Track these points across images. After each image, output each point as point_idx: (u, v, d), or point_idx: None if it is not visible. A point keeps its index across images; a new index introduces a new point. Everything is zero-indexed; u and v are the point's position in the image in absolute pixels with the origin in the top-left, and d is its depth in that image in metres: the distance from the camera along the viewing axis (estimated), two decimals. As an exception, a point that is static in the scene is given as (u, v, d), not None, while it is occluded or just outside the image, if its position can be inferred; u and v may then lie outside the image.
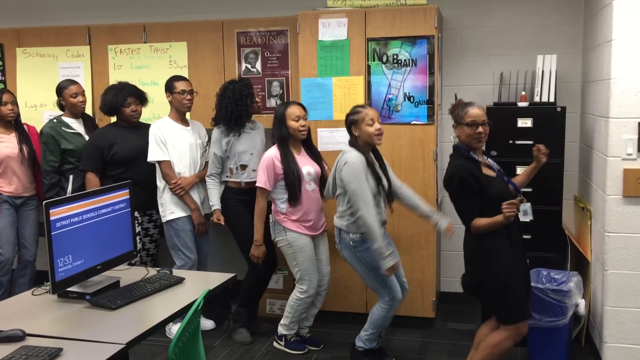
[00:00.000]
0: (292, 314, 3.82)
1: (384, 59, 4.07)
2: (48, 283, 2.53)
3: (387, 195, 3.52)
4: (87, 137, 4.16)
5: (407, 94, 4.06)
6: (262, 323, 4.26)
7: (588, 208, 3.86)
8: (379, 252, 3.34)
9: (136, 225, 3.94)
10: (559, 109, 3.83)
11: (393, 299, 3.53)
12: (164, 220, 4.03)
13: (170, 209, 4.00)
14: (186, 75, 4.54)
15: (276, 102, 4.52)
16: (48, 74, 4.80)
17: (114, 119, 4.14)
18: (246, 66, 4.55)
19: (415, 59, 4.02)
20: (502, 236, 2.99)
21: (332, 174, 3.55)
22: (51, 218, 2.44)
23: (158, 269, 3.03)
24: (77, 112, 4.24)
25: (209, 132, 4.14)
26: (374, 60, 4.09)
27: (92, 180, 3.95)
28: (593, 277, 3.77)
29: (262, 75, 4.52)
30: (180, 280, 2.82)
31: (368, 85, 4.11)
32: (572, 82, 4.36)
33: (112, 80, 4.67)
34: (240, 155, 3.96)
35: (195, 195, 4.06)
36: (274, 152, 3.68)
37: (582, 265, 3.98)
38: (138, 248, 4.02)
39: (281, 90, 4.51)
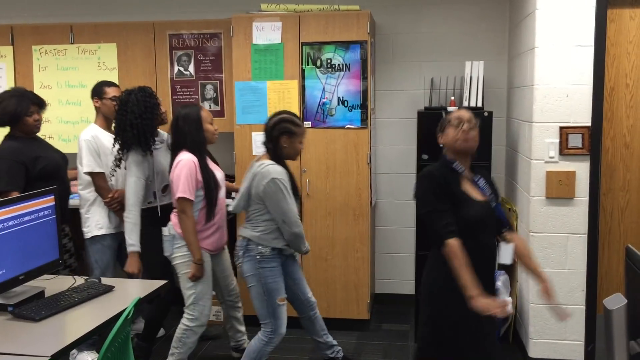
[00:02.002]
0: (180, 348, 3.36)
1: (318, 63, 4.10)
2: (-34, 295, 2.40)
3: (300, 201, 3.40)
4: None
5: (341, 98, 4.10)
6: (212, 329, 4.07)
7: (514, 209, 4.01)
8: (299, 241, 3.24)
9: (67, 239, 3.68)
10: (486, 114, 3.95)
11: (274, 332, 3.25)
12: (88, 235, 3.69)
13: (99, 224, 3.68)
14: (116, 78, 4.44)
15: (210, 106, 4.47)
16: (-33, 75, 4.57)
17: (5, 130, 3.54)
18: (179, 69, 4.47)
19: (349, 64, 4.07)
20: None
21: (246, 185, 3.23)
22: (-31, 226, 2.32)
23: (86, 277, 2.93)
24: None
25: None
26: (308, 65, 4.11)
27: None
28: (519, 276, 3.91)
29: (196, 78, 4.46)
30: (109, 289, 2.74)
31: (302, 89, 4.13)
32: (499, 87, 4.52)
33: (37, 83, 4.52)
34: (163, 174, 3.56)
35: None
36: (190, 157, 3.26)
37: (509, 265, 4.12)
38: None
39: (215, 94, 4.46)
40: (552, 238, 3.54)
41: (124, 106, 3.46)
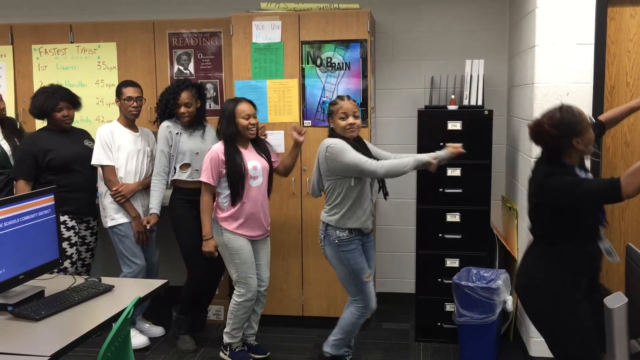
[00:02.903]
0: (233, 320, 3.67)
1: (318, 62, 4.09)
2: (-34, 295, 2.40)
3: (372, 183, 3.43)
4: (5, 142, 3.93)
5: (341, 97, 4.09)
6: (213, 330, 4.15)
7: (514, 208, 4.00)
8: (418, 163, 3.27)
9: (73, 234, 3.83)
10: (486, 112, 3.95)
11: (366, 307, 3.44)
12: (105, 225, 3.91)
13: (110, 215, 3.88)
14: (116, 77, 4.44)
15: (210, 105, 4.46)
16: (-33, 75, 4.57)
17: (44, 123, 3.93)
18: (178, 68, 4.47)
19: (349, 63, 4.07)
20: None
21: (315, 168, 3.46)
22: (-32, 226, 2.32)
23: (86, 277, 2.93)
24: None
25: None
26: (308, 63, 4.11)
27: (23, 189, 3.68)
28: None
29: (195, 77, 4.46)
30: (109, 288, 2.73)
31: (302, 88, 4.12)
32: (499, 86, 4.52)
33: (37, 82, 4.52)
34: (184, 153, 3.83)
35: (138, 203, 3.92)
36: (219, 146, 3.54)
37: (509, 263, 4.12)
38: (73, 258, 3.83)
39: (215, 93, 4.46)
40: (552, 237, 3.53)
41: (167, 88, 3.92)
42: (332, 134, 3.39)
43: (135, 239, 3.91)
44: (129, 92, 3.89)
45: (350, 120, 3.31)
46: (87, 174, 3.86)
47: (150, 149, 4.02)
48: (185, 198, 3.84)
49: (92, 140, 3.95)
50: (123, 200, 3.84)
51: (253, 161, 3.57)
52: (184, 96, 3.80)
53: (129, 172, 3.88)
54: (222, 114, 3.59)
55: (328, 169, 3.33)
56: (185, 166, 3.85)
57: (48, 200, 2.76)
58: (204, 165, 3.54)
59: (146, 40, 4.46)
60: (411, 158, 3.28)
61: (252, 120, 3.57)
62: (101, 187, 3.90)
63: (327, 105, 3.49)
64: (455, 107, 4.05)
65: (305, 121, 4.13)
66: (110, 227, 3.89)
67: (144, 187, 3.94)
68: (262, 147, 3.70)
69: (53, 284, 2.77)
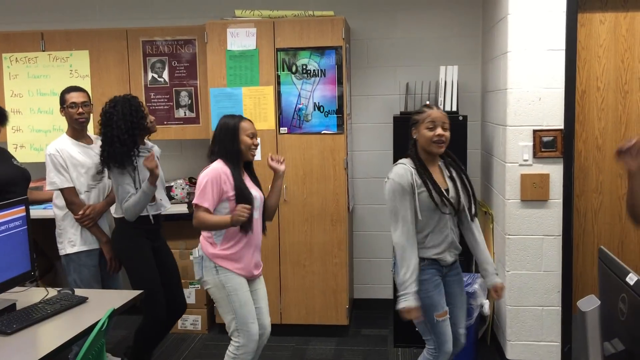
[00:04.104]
0: None
1: (294, 69, 4.09)
2: None
3: (456, 209, 2.87)
4: None
5: (317, 104, 4.10)
6: (190, 340, 3.96)
7: (490, 212, 4.04)
8: (400, 285, 2.78)
9: None
10: (461, 118, 3.98)
11: (438, 350, 2.89)
12: (62, 253, 3.48)
13: (71, 241, 3.45)
14: (89, 85, 4.38)
15: (185, 113, 4.43)
16: None
17: None
18: (153, 76, 4.43)
19: (324, 69, 4.07)
20: None
21: None
22: (-64, 239, 2.26)
23: (59, 289, 2.87)
24: None
25: None
26: (283, 71, 4.10)
27: None
28: (496, 278, 3.94)
29: (170, 85, 4.42)
30: (83, 300, 2.69)
31: (278, 95, 4.12)
32: (473, 91, 4.56)
33: (7, 91, 4.45)
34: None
35: (104, 224, 3.55)
36: (221, 166, 2.99)
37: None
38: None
39: (190, 101, 4.43)
40: (527, 240, 3.57)
41: (109, 120, 3.24)
42: (413, 150, 2.90)
43: (108, 267, 3.52)
44: (73, 97, 3.44)
45: (439, 131, 2.81)
46: (22, 196, 3.24)
47: None
48: (144, 227, 3.39)
49: (16, 159, 3.57)
50: (91, 224, 3.44)
51: (253, 190, 3.09)
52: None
53: (91, 189, 3.48)
54: (221, 130, 3.07)
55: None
56: (153, 198, 3.40)
57: (19, 212, 2.71)
58: (199, 186, 2.96)
59: (119, 48, 4.42)
60: (410, 272, 2.77)
61: (256, 141, 3.12)
62: (57, 211, 3.50)
63: (412, 114, 2.95)
64: (430, 113, 4.06)
65: (281, 128, 4.12)
66: (69, 254, 3.45)
67: (110, 206, 3.54)
68: (254, 176, 3.21)
69: (25, 296, 2.72)
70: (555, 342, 3.62)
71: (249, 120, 3.15)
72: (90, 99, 3.58)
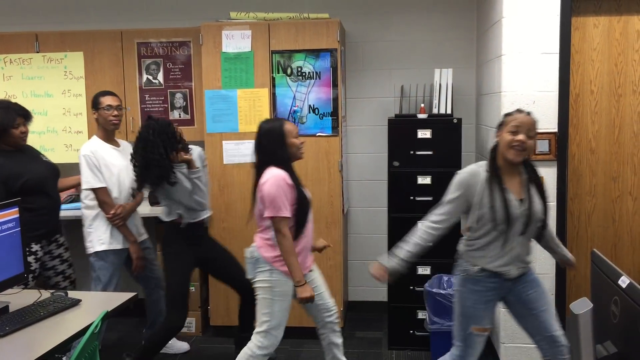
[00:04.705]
0: None
1: (289, 71, 4.10)
2: None
3: (527, 223, 2.70)
4: None
5: (312, 106, 4.10)
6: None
7: (484, 215, 4.04)
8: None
9: (38, 267, 3.50)
10: (455, 121, 3.99)
11: (463, 359, 2.87)
12: (90, 251, 3.60)
13: (101, 239, 3.59)
14: (83, 87, 4.38)
15: (179, 115, 4.42)
16: None
17: None
18: (147, 77, 4.43)
19: (319, 72, 4.08)
20: None
21: None
22: None
23: (52, 291, 2.86)
24: None
25: None
26: (278, 73, 4.11)
27: None
28: (490, 281, 3.94)
29: (165, 87, 4.42)
30: (76, 302, 2.68)
31: (273, 98, 4.12)
32: (467, 94, 4.57)
33: (1, 92, 4.44)
34: (184, 194, 3.45)
35: (132, 225, 3.70)
36: (281, 172, 2.98)
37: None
38: (32, 277, 3.50)
39: (185, 102, 4.42)
40: (521, 243, 3.57)
41: (146, 145, 3.32)
42: (492, 154, 2.76)
43: (133, 266, 3.68)
44: (109, 100, 3.63)
45: (520, 137, 2.63)
46: (54, 193, 3.60)
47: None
48: (186, 234, 3.54)
49: (43, 155, 3.67)
50: (122, 223, 3.59)
51: (305, 190, 3.15)
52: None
53: (123, 190, 3.63)
54: (267, 137, 3.05)
55: None
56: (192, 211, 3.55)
57: (12, 214, 2.69)
58: (271, 196, 2.94)
59: (114, 49, 4.41)
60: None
61: (302, 139, 3.14)
62: (86, 211, 3.63)
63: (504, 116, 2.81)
64: (425, 116, 4.09)
65: (276, 130, 4.12)
66: (98, 252, 3.59)
67: (138, 206, 3.75)
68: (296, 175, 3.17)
69: (18, 298, 2.71)
70: (549, 345, 3.62)
71: (286, 119, 3.21)
72: (122, 104, 3.78)
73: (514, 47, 3.50)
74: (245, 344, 3.69)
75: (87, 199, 3.62)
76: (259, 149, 3.09)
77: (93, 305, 2.69)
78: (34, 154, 3.61)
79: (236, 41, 4.12)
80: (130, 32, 4.42)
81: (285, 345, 4.14)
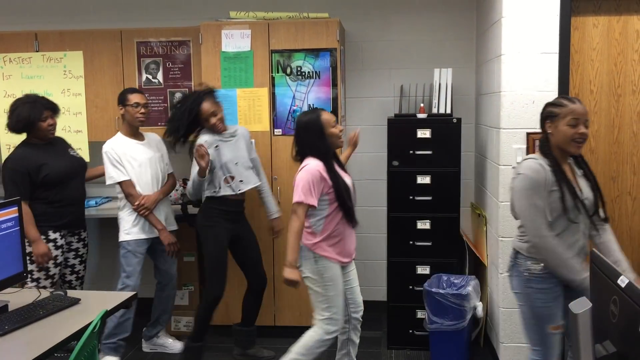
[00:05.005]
0: (305, 356, 3.18)
1: (288, 70, 4.10)
2: None
3: (590, 212, 2.68)
4: None
5: (312, 106, 4.10)
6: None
7: (483, 214, 4.05)
8: (569, 278, 2.60)
9: (60, 253, 3.65)
10: (455, 120, 4.00)
11: None
12: (119, 240, 3.78)
13: (125, 229, 3.76)
14: (82, 86, 4.39)
15: (179, 114, 4.42)
16: None
17: (21, 138, 3.66)
18: (147, 77, 4.43)
19: (319, 71, 4.08)
20: None
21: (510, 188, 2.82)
22: None
23: (51, 290, 2.86)
24: None
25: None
26: (278, 72, 4.11)
27: (25, 210, 3.38)
28: (489, 281, 3.95)
29: (164, 86, 4.42)
30: (75, 301, 2.68)
31: (272, 97, 4.12)
32: (467, 94, 4.57)
33: (1, 91, 4.44)
34: (226, 167, 3.65)
35: (160, 213, 3.82)
36: (317, 164, 3.06)
37: (479, 270, 4.17)
38: (55, 279, 3.64)
39: (184, 102, 4.41)
40: (520, 243, 3.58)
41: (178, 109, 3.67)
42: (544, 146, 2.70)
43: (167, 252, 3.83)
44: (136, 98, 3.75)
45: (582, 129, 2.61)
46: (79, 186, 3.74)
47: (160, 153, 3.89)
48: (224, 209, 3.68)
49: (73, 148, 3.83)
50: (147, 212, 3.73)
51: (345, 178, 3.18)
52: (207, 106, 3.62)
53: (145, 183, 3.76)
54: (305, 130, 3.14)
55: (511, 196, 2.76)
56: (230, 179, 3.67)
57: (12, 212, 2.69)
58: (298, 185, 3.04)
59: (113, 49, 4.41)
60: (575, 269, 2.61)
61: (340, 127, 3.21)
62: (119, 201, 3.81)
63: (544, 106, 2.74)
64: (424, 116, 4.09)
65: (275, 130, 4.13)
66: (121, 241, 3.76)
67: (165, 195, 3.87)
68: (340, 163, 3.28)
69: (17, 297, 2.71)
70: (548, 345, 3.62)
71: (323, 109, 3.22)
72: (147, 102, 3.89)
73: (513, 46, 3.50)
74: (247, 340, 3.76)
75: (117, 191, 3.79)
76: (298, 141, 3.17)
77: (92, 305, 2.69)
78: (63, 148, 3.77)
79: (236, 40, 4.11)
80: (130, 32, 4.42)
81: (285, 344, 4.13)
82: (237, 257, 3.89)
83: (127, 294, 2.82)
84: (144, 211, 3.72)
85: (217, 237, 3.67)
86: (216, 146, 3.63)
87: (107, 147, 3.73)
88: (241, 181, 3.69)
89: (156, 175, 3.82)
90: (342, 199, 3.09)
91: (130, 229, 3.75)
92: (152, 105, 4.42)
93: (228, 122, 3.85)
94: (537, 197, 2.59)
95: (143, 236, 3.77)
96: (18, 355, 2.18)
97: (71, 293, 2.80)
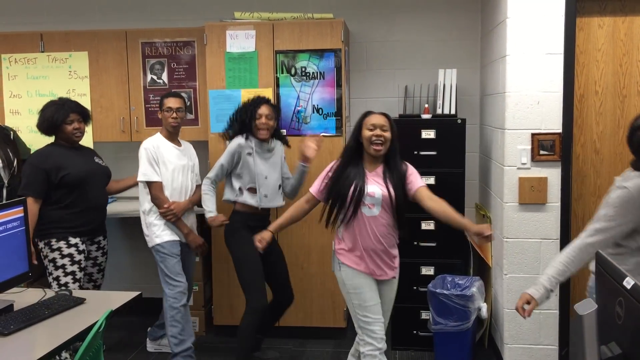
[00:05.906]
0: None
1: (293, 71, 4.10)
2: None
3: None
4: None
5: (316, 106, 4.10)
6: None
7: (488, 215, 4.04)
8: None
9: (83, 258, 3.58)
10: (459, 121, 3.99)
11: None
12: (150, 244, 3.73)
13: (155, 233, 3.69)
14: (87, 87, 4.39)
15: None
16: None
17: (50, 139, 3.67)
18: (152, 77, 4.43)
19: (323, 72, 4.08)
20: None
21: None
22: None
23: (57, 290, 2.87)
24: None
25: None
26: (282, 73, 4.11)
27: (32, 207, 3.37)
28: (494, 282, 3.94)
29: (169, 86, 4.42)
30: (80, 301, 2.69)
31: (277, 98, 4.12)
32: (471, 95, 4.57)
33: (6, 92, 4.45)
34: (253, 176, 3.61)
35: (187, 220, 3.79)
36: (336, 160, 3.15)
37: (483, 270, 4.16)
38: (80, 282, 3.56)
39: (189, 102, 4.42)
40: (525, 243, 3.57)
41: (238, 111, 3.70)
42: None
43: (199, 253, 3.89)
44: (170, 102, 3.72)
45: None
46: (99, 192, 3.68)
47: (193, 163, 3.87)
48: (248, 224, 3.62)
49: (101, 158, 3.81)
50: (174, 219, 3.68)
51: (373, 186, 2.98)
52: (265, 108, 3.62)
53: (174, 189, 3.71)
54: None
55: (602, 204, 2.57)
56: (251, 190, 3.63)
57: (17, 212, 2.70)
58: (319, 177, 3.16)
59: (118, 49, 4.42)
60: None
61: (378, 132, 2.98)
62: (145, 204, 3.72)
63: (634, 129, 2.53)
64: (429, 116, 4.09)
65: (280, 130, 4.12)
66: (154, 245, 3.70)
67: (193, 205, 3.83)
68: (396, 174, 3.05)
69: (22, 297, 2.72)
70: (553, 346, 3.62)
71: (382, 114, 3.09)
72: (185, 106, 3.83)
73: (518, 47, 3.49)
74: (254, 344, 3.64)
75: (145, 192, 3.72)
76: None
77: (97, 304, 2.69)
78: (90, 154, 3.75)
79: (240, 41, 4.12)
80: (135, 32, 4.43)
81: (288, 345, 4.15)
82: (265, 273, 3.79)
83: (132, 294, 2.82)
84: (172, 217, 3.67)
85: (246, 248, 3.52)
86: (249, 152, 3.59)
87: (147, 144, 3.68)
88: (266, 196, 3.64)
89: (185, 183, 3.78)
90: (333, 198, 3.02)
91: (161, 233, 3.69)
92: (156, 105, 4.42)
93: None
94: (624, 214, 2.43)
95: (175, 238, 3.73)
96: (23, 355, 2.18)
97: (76, 293, 2.81)
